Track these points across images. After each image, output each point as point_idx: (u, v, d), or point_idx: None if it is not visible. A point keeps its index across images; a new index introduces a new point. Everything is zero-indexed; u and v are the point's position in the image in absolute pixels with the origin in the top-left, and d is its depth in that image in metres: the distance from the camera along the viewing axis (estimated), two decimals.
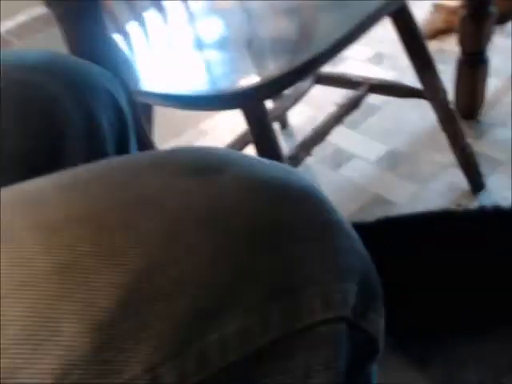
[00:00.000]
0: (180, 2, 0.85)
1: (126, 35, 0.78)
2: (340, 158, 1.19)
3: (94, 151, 0.41)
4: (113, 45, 0.57)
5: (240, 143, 0.96)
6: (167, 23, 0.82)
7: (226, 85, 0.61)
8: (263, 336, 0.25)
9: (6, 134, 0.37)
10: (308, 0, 0.75)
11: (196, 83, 0.63)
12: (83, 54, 0.51)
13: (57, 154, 0.39)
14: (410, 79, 0.93)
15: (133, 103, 0.50)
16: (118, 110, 0.44)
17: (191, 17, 0.81)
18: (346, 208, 1.07)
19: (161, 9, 0.84)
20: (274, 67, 0.60)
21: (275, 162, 0.32)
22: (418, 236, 0.81)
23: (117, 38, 0.78)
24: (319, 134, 0.92)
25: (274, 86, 0.59)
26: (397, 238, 0.83)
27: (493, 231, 0.75)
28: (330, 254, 0.29)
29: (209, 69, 0.66)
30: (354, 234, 0.33)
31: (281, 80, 0.59)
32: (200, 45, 0.72)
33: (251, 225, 0.26)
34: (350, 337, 0.29)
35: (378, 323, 0.32)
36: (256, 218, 0.27)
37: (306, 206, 0.30)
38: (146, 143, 0.56)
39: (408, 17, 0.84)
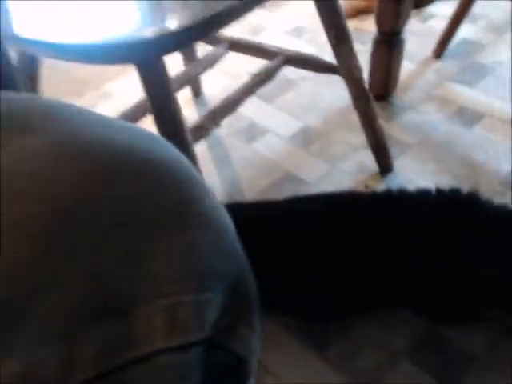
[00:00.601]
0: None
1: None
2: (253, 132, 1.15)
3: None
4: None
5: (138, 110, 0.88)
6: None
7: (119, 34, 0.52)
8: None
9: None
10: None
11: (83, 30, 0.54)
12: None
13: None
14: (330, 56, 0.89)
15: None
16: None
17: None
18: (256, 184, 1.03)
19: None
20: (175, 18, 0.53)
21: (134, 126, 0.25)
22: (324, 217, 0.79)
23: None
24: (230, 104, 0.86)
25: (173, 40, 0.52)
26: (302, 217, 0.80)
27: (395, 214, 0.74)
28: (180, 253, 0.21)
29: (100, 14, 0.57)
30: (225, 226, 0.25)
31: (182, 34, 0.52)
32: None
33: (54, 215, 0.18)
34: (207, 361, 0.22)
35: (249, 341, 0.25)
36: (63, 205, 0.19)
37: (155, 185, 0.22)
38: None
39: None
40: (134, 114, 0.87)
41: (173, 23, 0.53)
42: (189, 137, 0.67)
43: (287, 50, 0.98)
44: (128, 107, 0.88)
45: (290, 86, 1.27)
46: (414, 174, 0.99)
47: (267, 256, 0.81)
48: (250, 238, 0.76)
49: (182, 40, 0.53)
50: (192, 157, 0.69)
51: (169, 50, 0.54)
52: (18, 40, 0.57)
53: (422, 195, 0.76)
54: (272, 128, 1.15)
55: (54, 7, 0.58)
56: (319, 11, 0.82)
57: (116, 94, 1.29)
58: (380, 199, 0.78)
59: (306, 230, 0.81)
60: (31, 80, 0.79)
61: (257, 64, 1.33)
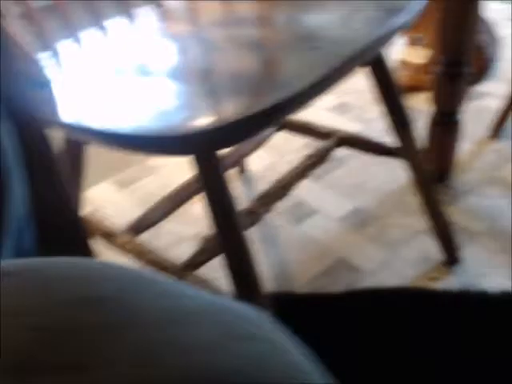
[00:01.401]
0: (126, 22, 0.74)
1: (54, 54, 0.65)
2: (301, 212, 1.09)
3: None
4: (28, 62, 0.44)
5: (188, 191, 0.84)
6: (108, 45, 0.70)
7: (173, 125, 0.49)
8: None
9: None
10: (274, 34, 0.65)
11: (135, 120, 0.50)
12: None
13: None
14: (376, 132, 0.84)
15: (37, 137, 0.37)
16: None
17: (138, 39, 0.69)
18: (307, 269, 0.96)
19: (101, 27, 0.72)
20: (233, 109, 0.49)
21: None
22: (389, 314, 0.70)
23: (43, 56, 0.65)
24: (282, 188, 0.81)
25: (231, 133, 0.48)
26: (365, 313, 0.72)
27: (472, 319, 0.65)
28: None
29: (154, 103, 0.53)
30: None
31: (240, 126, 0.47)
32: (146, 73, 0.60)
33: None
34: None
35: None
36: None
37: None
38: (57, 189, 0.42)
39: (384, 69, 0.76)
40: (180, 196, 0.83)
41: (233, 113, 0.48)
42: (241, 227, 0.62)
43: (340, 131, 0.94)
44: (175, 189, 0.84)
45: (338, 163, 1.22)
46: (484, 266, 0.90)
47: (319, 352, 0.72)
48: (303, 334, 0.67)
49: (241, 132, 0.48)
50: (245, 248, 0.63)
51: (226, 143, 0.50)
52: (64, 126, 0.54)
53: (500, 297, 0.67)
54: (321, 208, 1.10)
55: (104, 93, 0.56)
56: (378, 92, 0.78)
57: (160, 168, 1.26)
58: (451, 299, 0.69)
59: (364, 328, 0.73)
60: (76, 160, 0.77)
61: (300, 141, 1.30)
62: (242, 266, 0.62)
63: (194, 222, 1.08)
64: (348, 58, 0.56)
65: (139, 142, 0.49)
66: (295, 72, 0.55)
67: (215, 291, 0.69)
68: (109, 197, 1.19)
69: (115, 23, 0.74)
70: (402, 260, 0.94)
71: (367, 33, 0.61)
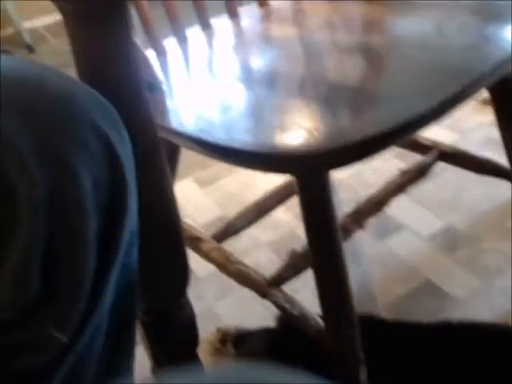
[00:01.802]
0: (231, 23, 0.71)
1: (161, 53, 0.64)
2: (387, 227, 1.03)
3: (58, 222, 0.28)
4: (142, 64, 0.42)
5: (276, 199, 0.81)
6: (213, 46, 0.68)
7: (279, 142, 0.45)
8: None
9: None
10: (386, 41, 0.60)
11: (240, 133, 0.48)
12: (97, 72, 0.37)
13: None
14: (472, 144, 0.77)
15: (152, 145, 0.36)
16: (113, 161, 0.31)
17: (242, 42, 0.66)
18: (391, 289, 0.90)
19: (207, 27, 0.70)
20: (353, 128, 0.45)
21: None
22: (487, 353, 0.64)
23: (150, 54, 0.64)
24: (376, 204, 0.76)
25: (349, 154, 0.44)
26: (459, 349, 0.66)
27: None
28: None
29: (259, 115, 0.50)
30: None
31: (362, 146, 0.43)
32: (250, 80, 0.57)
33: None
34: None
35: None
36: None
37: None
38: (165, 197, 0.40)
39: (509, 91, 0.68)
40: (267, 204, 0.80)
41: (355, 132, 0.44)
42: (341, 249, 0.58)
43: (440, 144, 0.87)
44: (263, 196, 0.81)
45: (430, 176, 1.14)
46: None
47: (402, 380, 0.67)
48: (386, 360, 0.61)
49: (361, 153, 0.44)
50: (342, 270, 0.59)
51: (341, 165, 0.46)
52: (172, 132, 0.53)
53: None
54: (409, 224, 1.03)
55: (210, 101, 0.53)
56: (496, 113, 0.71)
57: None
58: None
59: (455, 366, 0.67)
60: (171, 161, 0.76)
61: (392, 149, 1.22)
62: (338, 288, 0.58)
63: (273, 227, 1.05)
64: (479, 74, 0.50)
65: (246, 158, 0.46)
66: (418, 88, 0.50)
67: (299, 309, 0.66)
68: (189, 195, 1.19)
69: (219, 22, 0.72)
70: (496, 290, 0.86)
71: (502, 49, 0.54)
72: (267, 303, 0.70)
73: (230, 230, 0.77)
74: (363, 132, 0.44)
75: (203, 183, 1.21)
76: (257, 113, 0.50)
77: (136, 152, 0.34)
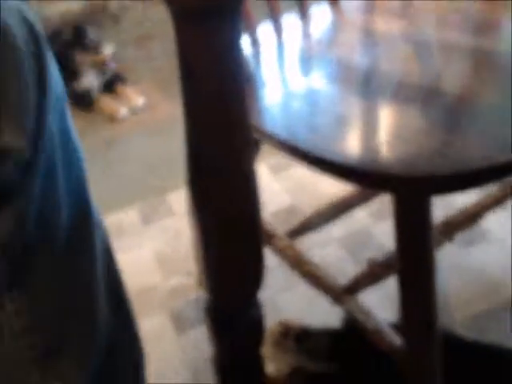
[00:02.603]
0: (331, 12, 0.65)
1: (255, 42, 0.60)
2: (472, 235, 0.95)
3: None
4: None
5: (355, 201, 0.75)
6: (309, 37, 0.62)
7: (382, 159, 0.40)
8: None
9: None
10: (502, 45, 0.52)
11: (337, 143, 0.43)
12: (202, 70, 0.33)
13: None
14: None
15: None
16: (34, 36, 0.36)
17: (342, 34, 0.61)
18: (469, 304, 0.84)
19: (304, 13, 0.64)
20: (474, 151, 0.39)
21: None
22: None
23: (244, 41, 0.60)
24: (470, 217, 0.69)
25: (467, 181, 0.38)
26: None
27: None
28: None
29: (359, 123, 0.45)
30: None
31: (487, 174, 0.37)
32: (349, 81, 0.51)
33: None
34: None
35: None
36: None
37: None
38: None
39: None
40: (346, 205, 0.75)
41: (468, 158, 0.38)
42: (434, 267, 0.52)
43: None
44: (342, 197, 0.76)
45: None
46: None
47: None
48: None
49: (481, 180, 0.38)
50: (432, 284, 0.53)
51: (454, 190, 0.40)
52: (259, 132, 0.49)
53: None
54: (497, 234, 0.95)
55: (312, 107, 0.49)
56: None
57: None
58: None
59: None
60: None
61: None
62: (424, 307, 0.53)
63: (346, 223, 1.00)
64: None
65: (342, 171, 0.42)
66: None
67: (374, 323, 0.62)
68: (260, 180, 1.16)
69: (319, 10, 0.66)
70: None
71: None
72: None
73: (304, 228, 0.73)
74: (490, 159, 0.38)
75: (275, 169, 1.17)
76: (356, 120, 0.45)
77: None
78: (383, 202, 0.94)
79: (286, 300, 0.91)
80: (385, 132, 0.45)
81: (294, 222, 0.76)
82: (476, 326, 0.80)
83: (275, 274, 0.94)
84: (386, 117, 0.46)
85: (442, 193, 0.41)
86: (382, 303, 0.76)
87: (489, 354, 0.71)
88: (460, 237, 0.94)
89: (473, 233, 0.95)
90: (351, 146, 0.44)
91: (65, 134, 0.40)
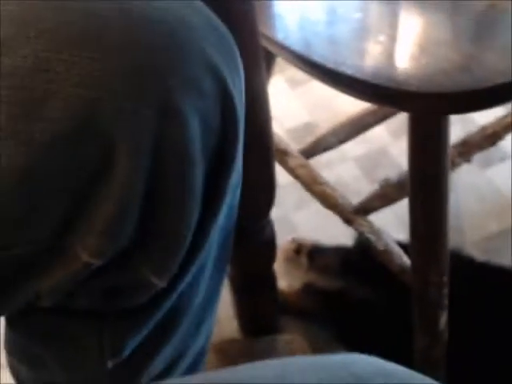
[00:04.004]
0: None
1: None
2: (491, 155, 0.92)
3: (161, 173, 0.26)
4: None
5: (373, 118, 0.73)
6: None
7: (401, 74, 0.38)
8: None
9: None
10: None
11: (353, 56, 0.41)
12: None
13: (96, 173, 0.25)
14: None
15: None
16: (226, 102, 0.27)
17: None
18: (482, 225, 0.84)
19: None
20: (502, 66, 0.36)
21: None
22: None
23: None
24: (488, 137, 0.67)
25: (489, 98, 0.36)
26: None
27: None
28: None
29: (379, 35, 0.42)
30: None
31: (504, 92, 0.35)
32: None
33: None
34: None
35: None
36: None
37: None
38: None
39: None
40: (363, 123, 0.73)
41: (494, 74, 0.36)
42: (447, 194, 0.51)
43: None
44: (358, 114, 0.73)
45: None
46: None
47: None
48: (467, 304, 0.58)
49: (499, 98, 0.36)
50: (445, 205, 0.53)
51: (472, 109, 0.38)
52: (272, 43, 0.46)
53: None
54: None
55: (330, 15, 0.45)
56: None
57: None
58: None
59: None
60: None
61: None
62: (434, 227, 0.53)
63: (362, 141, 0.98)
64: None
65: (359, 88, 0.40)
66: None
67: (385, 243, 0.62)
68: (278, 94, 1.13)
69: None
70: None
71: None
72: None
73: (319, 146, 0.72)
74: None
75: (294, 84, 1.13)
76: (376, 31, 0.42)
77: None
78: (403, 121, 0.91)
79: (299, 218, 0.92)
80: (405, 43, 0.42)
81: (310, 139, 0.75)
82: (489, 247, 0.81)
83: (288, 191, 0.94)
84: (409, 26, 0.43)
85: (461, 111, 0.39)
86: (395, 224, 0.76)
87: (500, 275, 0.72)
88: (477, 157, 0.92)
89: (491, 154, 0.92)
90: (368, 58, 0.41)
91: (231, 209, 0.34)
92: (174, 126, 0.24)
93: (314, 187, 0.66)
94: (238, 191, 0.34)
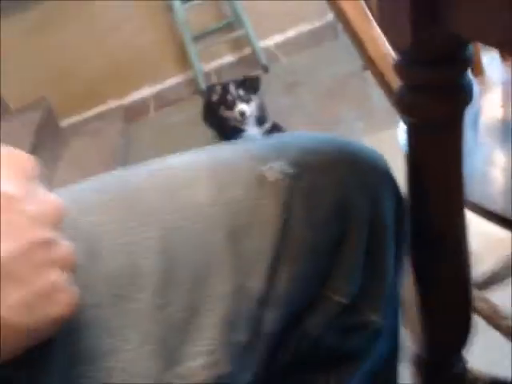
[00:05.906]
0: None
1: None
2: None
3: (373, 239, 0.39)
4: None
5: None
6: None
7: None
8: None
9: (296, 224, 0.37)
10: None
11: None
12: (428, 173, 0.41)
13: (340, 240, 0.38)
14: None
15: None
16: (398, 197, 0.43)
17: None
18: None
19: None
20: None
21: None
22: None
23: None
24: None
25: None
26: None
27: None
28: None
29: None
30: None
31: None
32: None
33: None
34: None
35: None
36: None
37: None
38: None
39: None
40: None
41: None
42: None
43: None
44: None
45: None
46: None
47: None
48: None
49: None
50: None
51: None
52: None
53: None
54: None
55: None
56: None
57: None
58: None
59: None
60: None
61: None
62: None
63: None
64: None
65: None
66: None
67: None
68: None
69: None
70: None
71: None
72: None
73: (496, 278, 0.74)
74: None
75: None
76: None
77: None
78: None
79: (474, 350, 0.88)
80: None
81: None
82: None
83: None
84: None
85: None
86: None
87: None
88: None
89: None
90: None
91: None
92: (378, 208, 0.40)
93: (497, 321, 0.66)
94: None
